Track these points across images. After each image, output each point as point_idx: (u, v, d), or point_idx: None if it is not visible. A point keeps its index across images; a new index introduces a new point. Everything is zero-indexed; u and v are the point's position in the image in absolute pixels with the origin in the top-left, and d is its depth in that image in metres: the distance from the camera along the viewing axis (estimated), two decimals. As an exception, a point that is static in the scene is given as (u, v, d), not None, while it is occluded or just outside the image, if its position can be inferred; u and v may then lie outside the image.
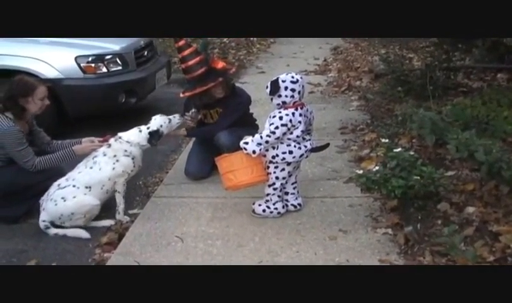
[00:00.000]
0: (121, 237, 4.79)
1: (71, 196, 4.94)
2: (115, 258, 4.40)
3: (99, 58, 7.33)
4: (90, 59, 7.26)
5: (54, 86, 6.87)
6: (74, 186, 4.98)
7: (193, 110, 5.68)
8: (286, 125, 4.63)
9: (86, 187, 5.00)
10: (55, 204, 4.93)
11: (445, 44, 7.99)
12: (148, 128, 5.32)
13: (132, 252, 4.44)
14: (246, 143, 4.72)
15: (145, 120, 5.40)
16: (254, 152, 4.69)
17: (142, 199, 5.59)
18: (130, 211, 5.30)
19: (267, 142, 4.67)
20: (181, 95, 5.73)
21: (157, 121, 5.39)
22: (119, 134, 5.27)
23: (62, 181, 5.04)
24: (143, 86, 7.86)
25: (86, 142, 5.34)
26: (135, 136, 5.26)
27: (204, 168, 5.58)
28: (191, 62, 5.43)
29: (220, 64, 5.57)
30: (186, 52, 5.43)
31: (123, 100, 7.52)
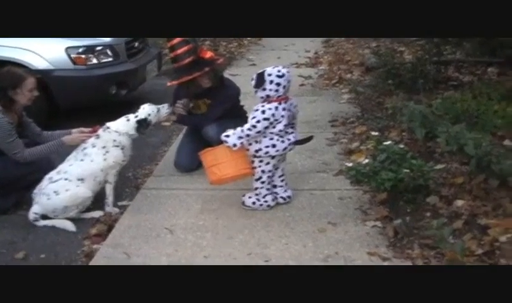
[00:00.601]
0: (110, 228, 4.77)
1: (63, 189, 4.92)
2: (105, 250, 4.39)
3: (90, 49, 7.29)
4: (80, 50, 7.22)
5: (44, 77, 6.86)
6: (66, 179, 4.96)
7: (184, 99, 5.67)
8: (268, 119, 4.62)
9: (79, 180, 4.98)
10: (48, 199, 4.91)
11: (436, 38, 8.00)
12: (136, 117, 5.29)
13: (121, 244, 4.44)
14: (227, 136, 4.71)
15: (135, 111, 5.37)
16: (235, 145, 4.69)
17: (132, 191, 5.57)
18: (119, 203, 5.28)
19: (247, 135, 4.67)
20: (168, 84, 5.79)
21: (145, 110, 5.36)
22: (107, 124, 5.25)
23: (53, 174, 5.01)
24: (134, 77, 7.84)
25: (75, 133, 5.32)
26: (123, 126, 5.23)
27: (193, 160, 5.55)
28: (179, 51, 5.41)
29: (208, 54, 5.55)
30: (175, 41, 5.42)
31: (114, 92, 7.49)
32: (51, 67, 7.11)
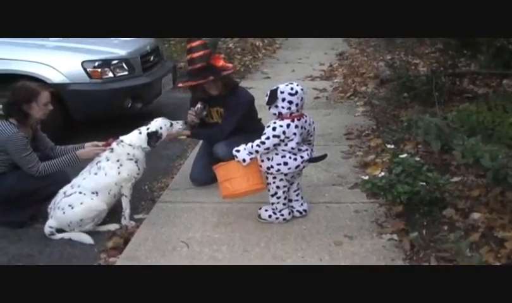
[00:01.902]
0: (126, 241, 4.79)
1: (78, 202, 4.94)
2: (121, 263, 4.41)
3: (105, 63, 7.34)
4: (96, 63, 7.27)
5: (60, 91, 6.91)
6: (80, 193, 4.98)
7: (199, 105, 5.67)
8: (278, 136, 4.61)
9: (93, 193, 5.00)
10: (64, 213, 4.94)
11: (450, 50, 7.99)
12: (147, 129, 5.29)
13: (137, 257, 4.45)
14: (238, 151, 4.72)
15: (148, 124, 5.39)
16: (244, 160, 4.69)
17: (148, 204, 5.60)
18: (136, 216, 5.30)
19: (257, 151, 4.67)
20: (179, 85, 5.97)
21: (158, 123, 5.36)
22: (121, 137, 5.26)
23: (67, 188, 5.04)
24: (149, 91, 7.87)
25: (89, 146, 5.34)
26: (136, 139, 5.23)
27: (208, 174, 5.51)
28: (194, 55, 5.45)
29: (220, 63, 5.54)
30: (194, 44, 5.45)
31: (129, 105, 7.52)
32: (67, 81, 7.15)
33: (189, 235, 4.77)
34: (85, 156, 5.27)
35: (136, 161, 5.19)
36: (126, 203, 5.17)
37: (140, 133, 5.26)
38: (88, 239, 4.91)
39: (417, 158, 5.18)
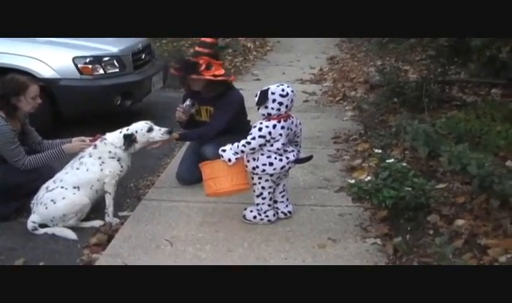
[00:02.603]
0: (110, 238, 4.78)
1: (60, 197, 4.93)
2: (104, 259, 4.39)
3: (97, 59, 7.33)
4: (87, 60, 7.25)
5: (50, 86, 6.90)
6: (62, 187, 4.98)
7: (187, 102, 5.66)
8: (264, 136, 4.63)
9: (75, 187, 4.99)
10: (46, 208, 4.93)
11: (441, 58, 8.01)
12: (127, 130, 5.25)
13: (120, 254, 4.44)
14: (224, 151, 4.73)
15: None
16: (229, 160, 4.70)
17: (133, 202, 5.58)
18: (120, 213, 5.29)
19: (242, 151, 4.68)
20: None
21: (137, 125, 5.27)
22: (106, 135, 5.24)
23: (50, 183, 5.03)
24: (139, 89, 7.86)
25: (76, 141, 5.33)
26: (117, 139, 5.20)
27: (195, 174, 5.47)
28: (197, 48, 5.55)
29: (218, 70, 5.53)
30: (206, 39, 5.49)
31: (118, 102, 7.50)
32: (57, 76, 7.13)
33: (173, 233, 4.76)
34: (71, 151, 5.26)
35: (118, 160, 5.18)
36: (109, 200, 5.15)
37: (120, 133, 5.23)
38: (71, 235, 4.89)
39: (404, 164, 5.19)
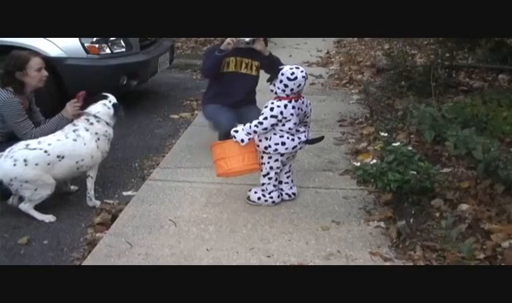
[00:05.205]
0: (114, 218, 4.79)
1: (34, 161, 4.70)
2: (107, 238, 4.40)
3: (103, 39, 7.29)
4: (94, 39, 7.23)
5: (57, 65, 6.88)
6: (45, 152, 4.76)
7: (246, 39, 5.70)
8: (275, 116, 4.63)
9: (58, 157, 4.81)
10: (14, 165, 4.66)
11: (449, 42, 7.98)
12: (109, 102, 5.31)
13: (124, 233, 4.45)
14: (236, 132, 4.75)
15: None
16: (242, 141, 4.73)
17: (137, 182, 5.59)
18: (124, 193, 5.31)
19: (255, 131, 4.70)
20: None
21: (104, 101, 5.34)
22: (90, 109, 5.21)
23: (33, 142, 4.81)
24: (145, 69, 7.83)
25: (68, 106, 5.26)
26: (108, 116, 5.23)
27: (234, 122, 5.47)
28: None
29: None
30: None
31: (124, 82, 7.49)
32: (64, 55, 7.10)
33: (177, 213, 4.77)
34: (70, 114, 5.19)
35: (108, 140, 5.20)
36: (91, 184, 5.09)
37: (105, 105, 5.27)
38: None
39: (409, 148, 5.18)
